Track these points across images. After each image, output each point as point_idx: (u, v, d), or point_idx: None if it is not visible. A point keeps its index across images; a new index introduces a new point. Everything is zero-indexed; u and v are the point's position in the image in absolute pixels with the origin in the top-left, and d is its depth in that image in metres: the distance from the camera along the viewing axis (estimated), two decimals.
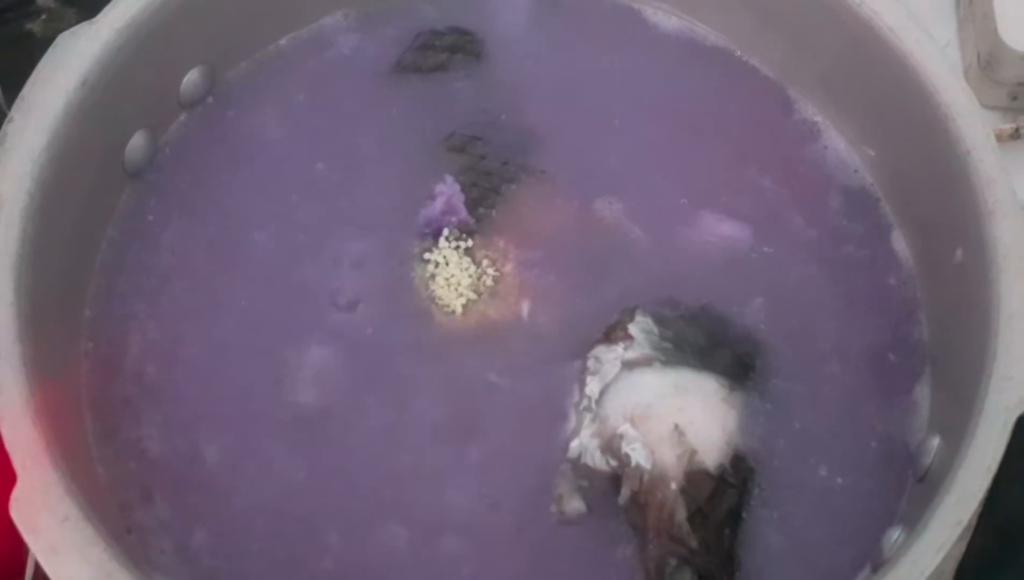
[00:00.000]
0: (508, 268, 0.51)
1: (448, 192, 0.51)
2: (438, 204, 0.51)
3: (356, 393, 0.48)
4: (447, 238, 0.51)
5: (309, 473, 0.46)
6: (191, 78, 0.52)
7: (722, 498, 0.46)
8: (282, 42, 0.55)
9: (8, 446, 0.40)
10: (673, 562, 0.45)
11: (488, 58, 0.56)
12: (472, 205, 0.52)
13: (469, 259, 0.51)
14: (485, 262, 0.51)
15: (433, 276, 0.50)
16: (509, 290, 0.51)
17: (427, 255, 0.51)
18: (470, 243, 0.51)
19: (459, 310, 0.50)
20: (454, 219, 0.51)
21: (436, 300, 0.50)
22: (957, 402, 0.45)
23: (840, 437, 0.49)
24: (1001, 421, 0.42)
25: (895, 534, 0.45)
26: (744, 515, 0.46)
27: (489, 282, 0.50)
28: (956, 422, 0.44)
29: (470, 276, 0.50)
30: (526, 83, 0.55)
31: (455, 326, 0.50)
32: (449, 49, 0.56)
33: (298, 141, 0.53)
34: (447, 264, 0.50)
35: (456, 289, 0.50)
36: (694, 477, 0.46)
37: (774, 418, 0.48)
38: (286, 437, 0.47)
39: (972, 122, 0.47)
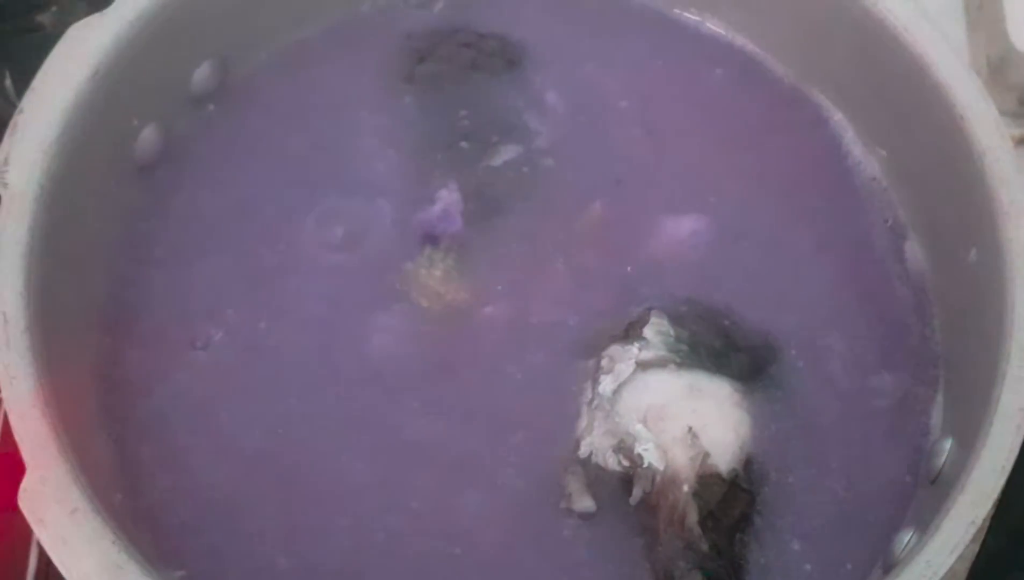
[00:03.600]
0: (519, 268, 0.51)
1: (448, 199, 0.51)
2: (436, 209, 0.51)
3: (366, 389, 0.48)
4: (439, 247, 0.51)
5: (318, 459, 0.46)
6: (202, 72, 0.52)
7: (734, 502, 0.46)
8: (295, 36, 0.55)
9: (17, 437, 0.40)
10: (683, 565, 0.44)
11: (508, 61, 0.56)
12: (470, 212, 0.51)
13: (468, 262, 0.51)
14: (492, 263, 0.51)
15: (433, 278, 0.50)
16: (518, 290, 0.50)
17: (423, 255, 0.51)
18: (463, 252, 0.51)
19: (464, 310, 0.49)
20: (450, 229, 0.51)
21: (440, 300, 0.50)
22: (970, 403, 0.45)
23: (852, 440, 0.48)
24: (1015, 422, 0.42)
25: (907, 536, 0.45)
26: (755, 519, 0.46)
27: (499, 286, 0.50)
28: (969, 423, 0.44)
29: (469, 279, 0.50)
30: (547, 85, 0.55)
31: (462, 327, 0.50)
32: (472, 50, 0.56)
33: (307, 136, 0.53)
34: (444, 267, 0.50)
35: (457, 291, 0.50)
36: (706, 480, 0.45)
37: (786, 422, 0.48)
38: (305, 422, 0.47)
39: (987, 122, 0.47)
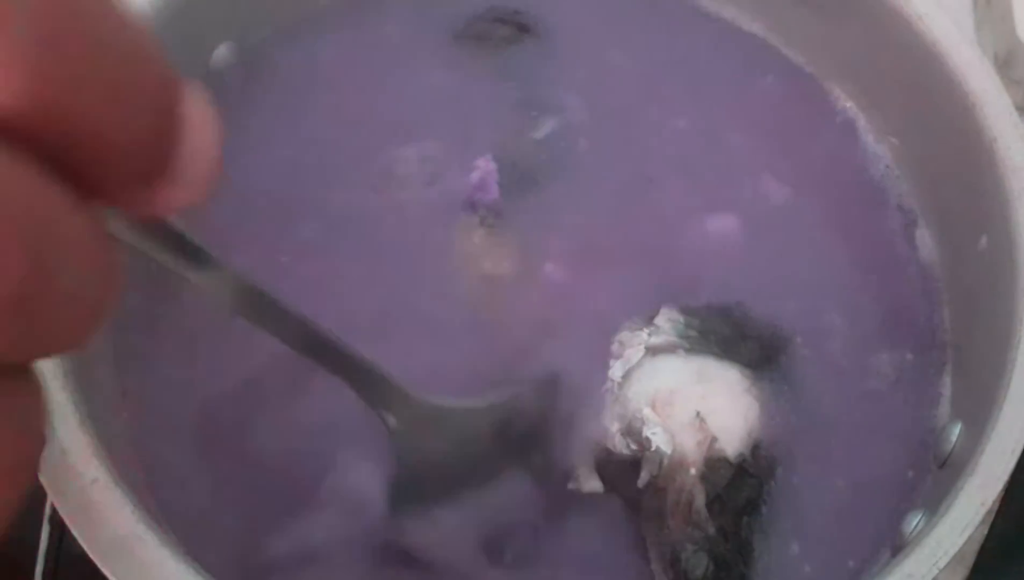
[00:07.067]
0: (537, 249, 0.51)
1: (485, 169, 0.52)
2: (473, 178, 0.51)
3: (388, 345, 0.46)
4: (477, 214, 0.51)
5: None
6: (220, 53, 0.52)
7: (741, 486, 0.46)
8: (321, 4, 0.56)
9: None
10: (690, 547, 0.44)
11: (542, 38, 0.56)
12: (507, 184, 0.52)
13: (496, 238, 0.51)
14: (525, 234, 0.51)
15: (471, 244, 0.51)
16: (535, 271, 0.50)
17: (459, 223, 0.51)
18: (499, 223, 0.51)
19: (484, 286, 0.50)
20: (487, 198, 0.51)
21: (477, 267, 0.50)
22: (980, 388, 0.45)
23: (860, 426, 0.49)
24: None
25: (915, 519, 0.45)
26: (763, 504, 0.46)
27: (517, 261, 0.50)
28: (979, 408, 0.44)
29: (503, 248, 0.50)
30: (579, 64, 0.56)
31: (480, 303, 0.50)
32: (507, 26, 0.56)
33: (334, 111, 0.53)
34: (480, 235, 0.51)
35: (491, 259, 0.50)
36: (714, 464, 0.46)
37: (795, 409, 0.48)
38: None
39: (999, 110, 0.47)
